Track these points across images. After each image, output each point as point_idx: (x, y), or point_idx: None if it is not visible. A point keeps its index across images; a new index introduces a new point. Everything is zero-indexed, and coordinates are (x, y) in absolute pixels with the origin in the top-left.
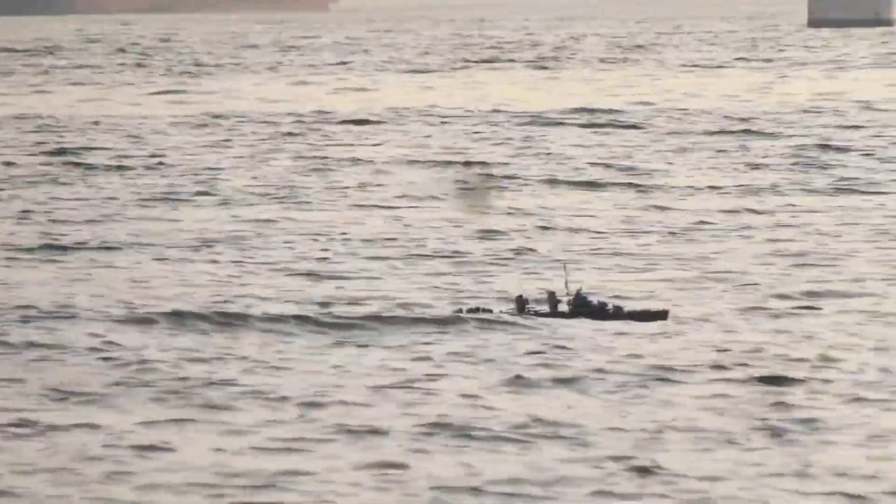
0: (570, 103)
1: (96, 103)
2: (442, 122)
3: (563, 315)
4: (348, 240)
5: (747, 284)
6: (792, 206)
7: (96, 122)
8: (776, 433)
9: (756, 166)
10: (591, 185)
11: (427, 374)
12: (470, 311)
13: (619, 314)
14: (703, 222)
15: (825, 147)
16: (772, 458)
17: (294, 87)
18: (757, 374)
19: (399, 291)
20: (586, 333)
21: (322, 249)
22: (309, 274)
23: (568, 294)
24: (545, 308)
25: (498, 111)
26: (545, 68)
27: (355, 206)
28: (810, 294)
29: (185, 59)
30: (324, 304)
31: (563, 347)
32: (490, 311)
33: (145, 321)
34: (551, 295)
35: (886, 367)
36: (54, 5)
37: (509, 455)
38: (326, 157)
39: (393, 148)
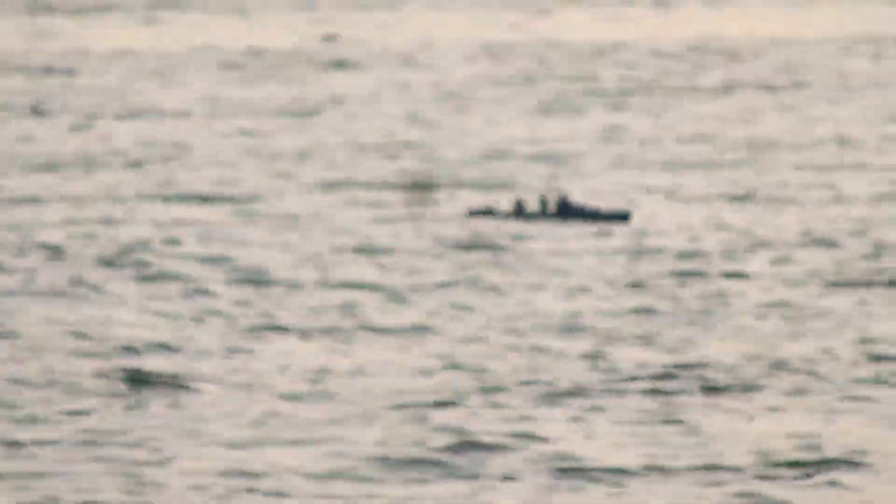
0: None
1: None
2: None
3: (550, 216)
4: None
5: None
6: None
7: None
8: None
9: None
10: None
11: None
12: (475, 212)
13: (589, 213)
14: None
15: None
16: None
17: None
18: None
19: None
20: (557, 231)
21: None
22: None
23: (557, 199)
24: (537, 210)
25: None
26: None
27: None
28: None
29: None
30: None
31: (521, 243)
32: (492, 212)
33: None
34: (542, 199)
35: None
36: None
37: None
38: None
39: None
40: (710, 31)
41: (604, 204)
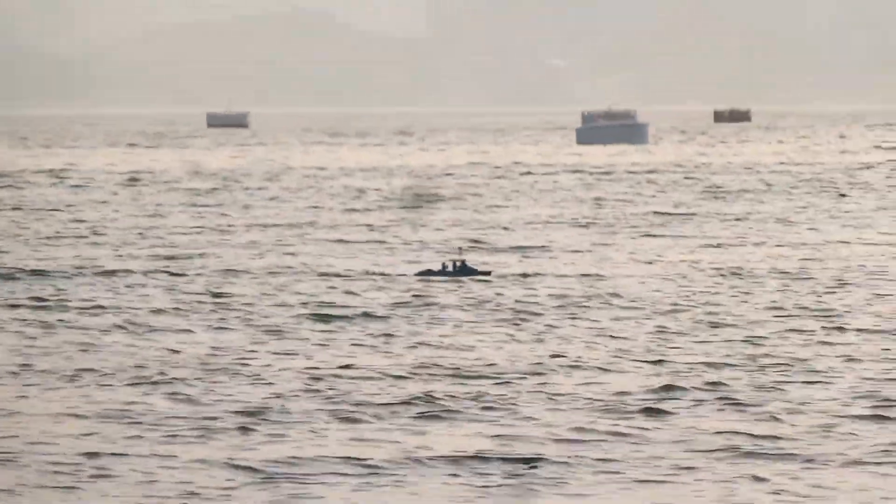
0: None
1: None
2: None
3: (450, 273)
4: None
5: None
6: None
7: None
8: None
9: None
10: None
11: None
12: (421, 273)
13: (473, 271)
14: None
15: None
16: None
17: None
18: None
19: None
20: (450, 285)
21: None
22: None
23: (455, 263)
24: (449, 269)
25: None
26: None
27: None
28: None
29: None
30: None
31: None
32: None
33: None
34: (450, 262)
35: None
36: None
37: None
38: None
39: None
40: None
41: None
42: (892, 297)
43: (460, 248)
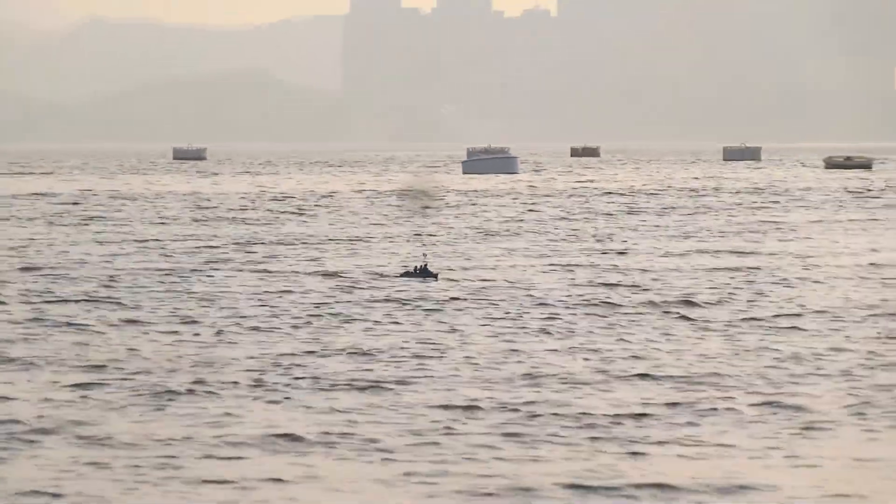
0: None
1: None
2: None
3: (410, 275)
4: None
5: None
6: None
7: None
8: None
9: None
10: None
11: None
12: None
13: (429, 274)
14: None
15: None
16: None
17: None
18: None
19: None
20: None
21: None
22: None
23: (418, 266)
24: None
25: None
26: None
27: None
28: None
29: None
30: None
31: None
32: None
33: None
34: (414, 268)
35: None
36: None
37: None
38: None
39: None
40: None
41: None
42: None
43: (424, 255)
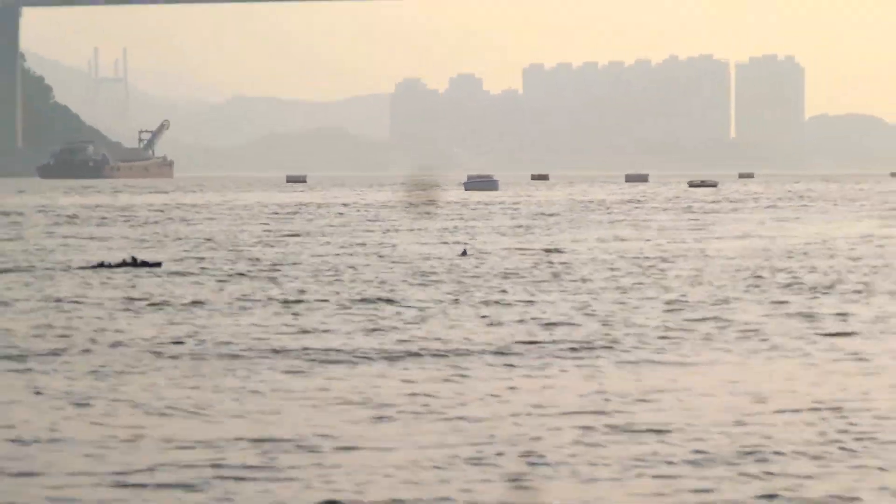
0: None
1: None
2: None
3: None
4: None
5: None
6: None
7: None
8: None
9: None
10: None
11: None
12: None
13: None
14: None
15: None
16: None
17: None
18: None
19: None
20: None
21: None
22: None
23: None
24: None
25: None
26: None
27: None
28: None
29: None
30: None
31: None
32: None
33: None
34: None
35: None
36: None
37: None
38: None
39: None
40: None
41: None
42: None
43: (464, 249)
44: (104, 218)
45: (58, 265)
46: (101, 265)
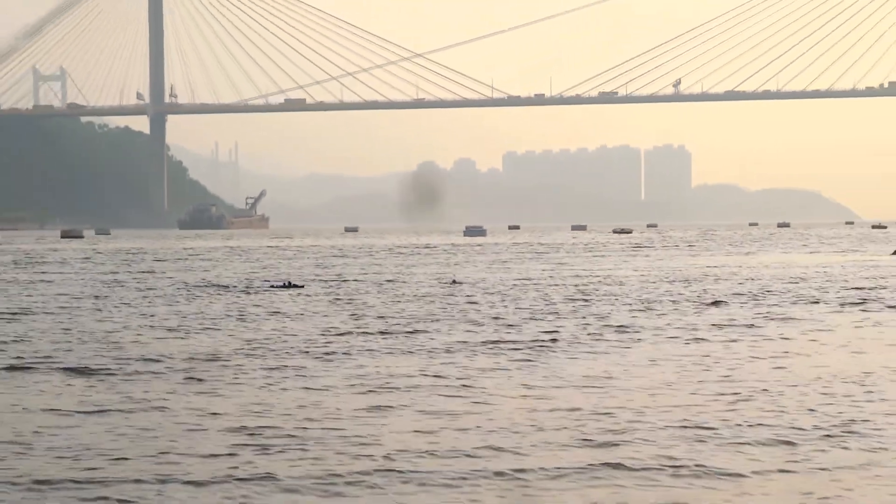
0: None
1: None
2: None
3: (451, 284)
4: None
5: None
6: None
7: None
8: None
9: None
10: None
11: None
12: (450, 282)
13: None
14: None
15: None
16: None
17: None
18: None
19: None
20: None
21: None
22: None
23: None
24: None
25: None
26: None
27: None
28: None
29: None
30: None
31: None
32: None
33: None
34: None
35: None
36: None
37: None
38: None
39: None
40: None
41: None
42: None
43: (454, 275)
44: (228, 255)
45: (239, 284)
46: (272, 286)
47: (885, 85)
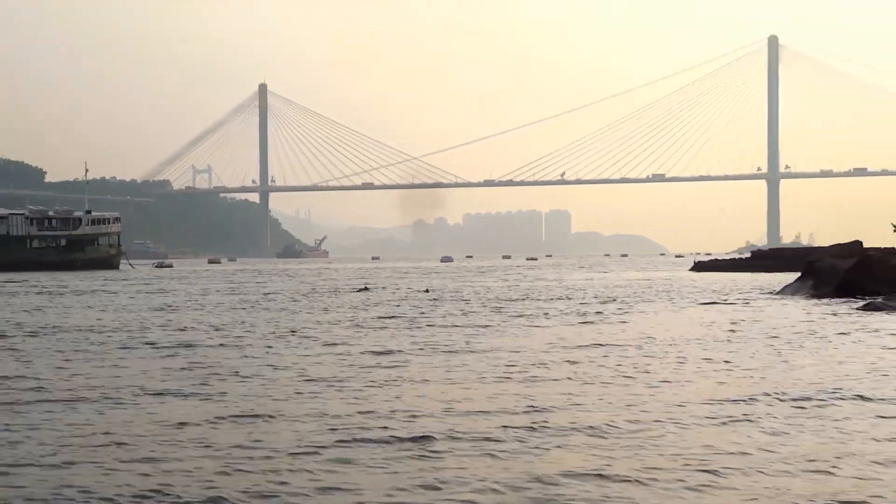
0: None
1: None
2: None
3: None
4: None
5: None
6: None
7: None
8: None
9: None
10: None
11: None
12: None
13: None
14: None
15: None
16: None
17: None
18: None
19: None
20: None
21: None
22: None
23: (426, 289)
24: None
25: None
26: None
27: None
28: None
29: None
30: None
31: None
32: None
33: None
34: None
35: None
36: None
37: None
38: None
39: None
40: None
41: None
42: None
43: (428, 286)
44: (307, 273)
45: (329, 290)
46: (358, 290)
47: (650, 175)
